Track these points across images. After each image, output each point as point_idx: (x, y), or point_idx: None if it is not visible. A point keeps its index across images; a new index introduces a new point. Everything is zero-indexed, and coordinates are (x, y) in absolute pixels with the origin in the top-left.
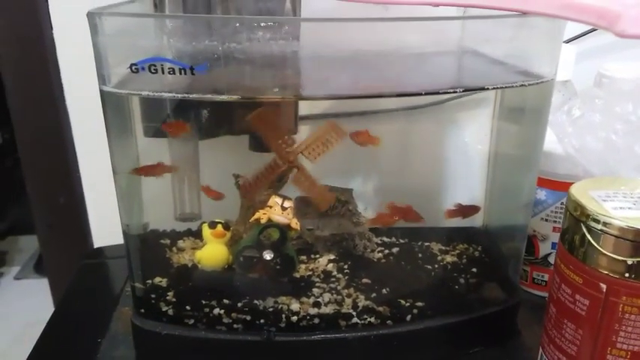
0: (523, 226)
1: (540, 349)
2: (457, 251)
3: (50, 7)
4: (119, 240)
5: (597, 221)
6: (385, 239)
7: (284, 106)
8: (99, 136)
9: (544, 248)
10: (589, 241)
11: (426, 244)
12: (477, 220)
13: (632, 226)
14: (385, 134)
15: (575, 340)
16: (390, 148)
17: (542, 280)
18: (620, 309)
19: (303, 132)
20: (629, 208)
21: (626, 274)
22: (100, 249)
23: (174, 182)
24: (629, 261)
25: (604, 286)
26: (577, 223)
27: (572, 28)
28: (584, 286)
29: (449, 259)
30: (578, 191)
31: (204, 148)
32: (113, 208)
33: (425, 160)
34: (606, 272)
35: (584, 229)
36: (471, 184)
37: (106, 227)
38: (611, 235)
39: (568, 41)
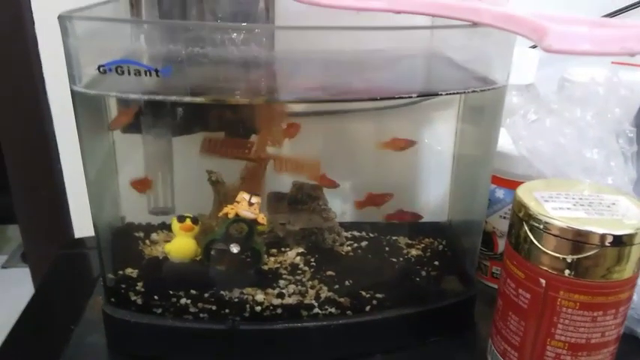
0: (479, 222)
1: (490, 340)
2: (422, 245)
3: (32, 3)
4: None
5: (538, 221)
6: (355, 233)
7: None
8: None
9: (502, 244)
10: (531, 239)
11: (394, 238)
12: (442, 216)
13: (570, 226)
14: (357, 133)
15: (519, 331)
16: (362, 147)
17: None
18: (559, 303)
19: None
20: (569, 208)
21: (566, 271)
22: (80, 239)
23: (148, 177)
24: (568, 259)
25: (543, 282)
26: (520, 222)
27: None
28: (526, 281)
29: (413, 252)
30: (524, 192)
31: (180, 145)
32: None
33: (395, 159)
34: (546, 268)
35: (527, 228)
36: (439, 182)
37: (86, 219)
38: (550, 234)
39: (534, 46)
